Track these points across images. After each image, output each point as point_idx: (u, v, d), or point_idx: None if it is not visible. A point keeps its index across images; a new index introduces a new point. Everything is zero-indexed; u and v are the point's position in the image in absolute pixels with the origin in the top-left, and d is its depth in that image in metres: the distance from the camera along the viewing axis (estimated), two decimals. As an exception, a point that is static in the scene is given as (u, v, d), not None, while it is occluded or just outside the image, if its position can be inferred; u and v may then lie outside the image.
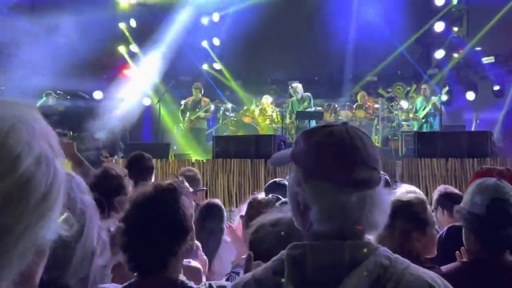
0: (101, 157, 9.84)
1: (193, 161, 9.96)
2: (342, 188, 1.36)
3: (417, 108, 12.84)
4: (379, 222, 1.40)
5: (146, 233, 2.10)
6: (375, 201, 1.38)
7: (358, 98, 14.27)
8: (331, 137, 1.42)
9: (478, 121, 12.55)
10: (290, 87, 13.21)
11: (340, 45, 15.39)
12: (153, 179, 4.66)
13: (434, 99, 12.36)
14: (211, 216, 4.20)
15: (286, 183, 4.26)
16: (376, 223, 1.39)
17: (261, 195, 4.94)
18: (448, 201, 3.97)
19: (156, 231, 2.10)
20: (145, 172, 4.46)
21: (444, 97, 12.68)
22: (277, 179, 4.50)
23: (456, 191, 4.28)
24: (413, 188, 2.73)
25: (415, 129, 12.44)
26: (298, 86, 13.07)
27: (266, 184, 4.39)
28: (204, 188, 4.88)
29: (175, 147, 13.02)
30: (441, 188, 4.27)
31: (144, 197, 2.18)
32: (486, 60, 14.88)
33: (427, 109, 12.24)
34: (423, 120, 12.34)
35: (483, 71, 15.21)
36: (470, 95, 14.87)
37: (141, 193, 2.21)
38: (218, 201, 4.44)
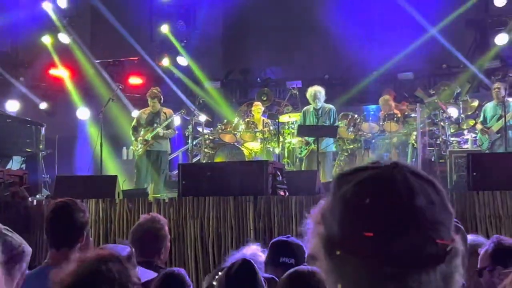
0: (15, 197, 9.82)
1: (150, 200, 9.93)
2: (379, 268, 1.33)
3: (487, 117, 12.76)
4: None
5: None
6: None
7: (380, 103, 14.32)
8: (367, 186, 1.37)
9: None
10: (311, 91, 13.23)
11: (358, 30, 15.53)
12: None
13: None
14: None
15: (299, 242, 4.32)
16: None
17: (252, 249, 4.95)
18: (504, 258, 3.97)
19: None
20: (74, 232, 4.32)
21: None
22: (284, 237, 4.56)
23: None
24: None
25: (484, 148, 12.42)
26: (320, 90, 13.16)
27: (273, 240, 4.40)
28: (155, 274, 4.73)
29: (124, 181, 12.97)
30: (494, 239, 4.26)
31: (74, 280, 2.19)
32: None
33: (502, 121, 12.04)
34: (498, 136, 12.23)
35: None
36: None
37: (69, 274, 2.20)
38: (181, 271, 4.38)
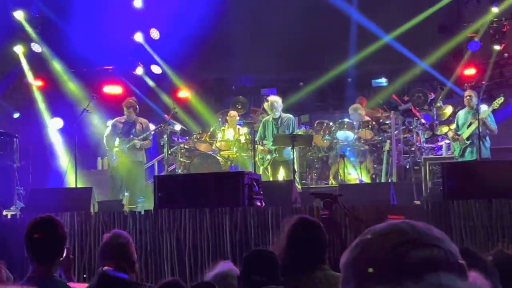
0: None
1: (126, 212, 9.89)
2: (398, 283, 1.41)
3: (459, 124, 12.86)
4: None
5: None
6: None
7: (350, 112, 14.32)
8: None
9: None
10: (265, 100, 13.27)
11: (335, 33, 15.57)
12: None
13: (484, 111, 12.14)
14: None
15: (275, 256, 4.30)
16: None
17: (225, 266, 4.95)
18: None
19: None
20: (56, 246, 4.41)
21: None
22: (261, 248, 4.54)
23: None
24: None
25: (456, 154, 12.47)
26: (277, 100, 13.15)
27: (245, 255, 4.38)
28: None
29: (100, 193, 12.89)
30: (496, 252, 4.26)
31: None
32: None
33: (473, 127, 12.09)
34: (468, 143, 12.26)
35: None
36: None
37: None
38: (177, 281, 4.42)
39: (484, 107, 12.48)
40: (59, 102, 15.91)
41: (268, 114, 13.29)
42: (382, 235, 1.49)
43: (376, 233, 1.51)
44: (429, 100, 14.96)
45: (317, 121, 14.56)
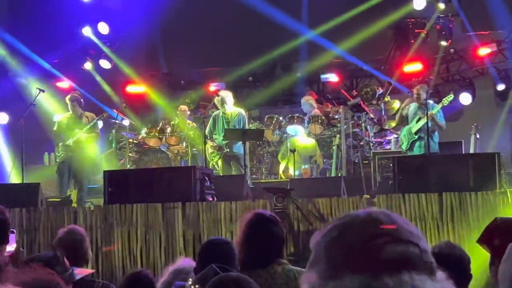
0: None
1: (75, 208, 9.79)
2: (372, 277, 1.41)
3: (409, 117, 12.78)
4: None
5: None
6: None
7: (302, 103, 14.40)
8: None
9: (478, 136, 12.94)
10: (216, 95, 13.21)
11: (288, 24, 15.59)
12: (11, 247, 4.53)
13: (434, 108, 12.25)
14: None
15: (232, 245, 4.25)
16: None
17: (182, 262, 4.90)
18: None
19: None
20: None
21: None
22: (214, 238, 4.48)
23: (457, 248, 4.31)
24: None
25: (404, 148, 12.58)
26: (227, 95, 13.10)
27: (201, 246, 4.34)
28: (92, 270, 4.85)
29: (47, 188, 12.70)
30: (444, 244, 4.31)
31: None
32: (485, 49, 15.46)
33: (421, 122, 12.20)
34: (416, 137, 12.39)
35: (482, 64, 15.79)
36: (465, 98, 15.34)
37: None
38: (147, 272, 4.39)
39: (431, 103, 12.62)
40: (3, 96, 15.60)
41: (218, 109, 13.23)
42: (360, 223, 1.48)
43: (354, 219, 1.50)
44: (377, 95, 15.07)
45: (267, 116, 14.57)
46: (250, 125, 13.79)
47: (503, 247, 2.74)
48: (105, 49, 16.55)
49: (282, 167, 13.76)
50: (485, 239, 3.15)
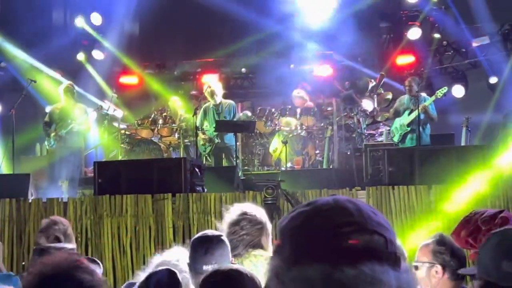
0: None
1: (65, 198, 9.78)
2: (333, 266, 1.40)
3: (401, 109, 12.73)
4: None
5: None
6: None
7: (292, 97, 14.38)
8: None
9: (469, 128, 12.95)
10: (206, 87, 13.17)
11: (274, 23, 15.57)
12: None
13: (428, 100, 12.22)
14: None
15: (224, 238, 4.27)
16: None
17: (172, 253, 4.89)
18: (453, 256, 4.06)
19: None
20: None
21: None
22: (208, 232, 4.47)
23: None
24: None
25: (395, 140, 12.59)
26: (217, 86, 13.08)
27: (193, 238, 4.33)
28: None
29: (38, 179, 12.67)
30: (437, 236, 4.33)
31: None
32: (478, 41, 15.45)
33: (413, 114, 12.20)
34: (408, 129, 12.39)
35: (474, 56, 15.79)
36: (458, 90, 15.36)
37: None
38: None
39: (424, 95, 12.63)
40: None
41: (209, 101, 13.21)
42: (326, 211, 1.47)
43: (319, 206, 1.49)
44: (370, 86, 15.06)
45: (259, 108, 14.57)
46: (241, 115, 13.80)
47: (466, 239, 2.78)
48: (99, 38, 16.51)
49: (274, 159, 13.78)
50: (455, 231, 3.20)
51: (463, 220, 3.24)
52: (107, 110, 14.21)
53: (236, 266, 3.45)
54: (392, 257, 1.44)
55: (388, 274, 1.41)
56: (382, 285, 1.40)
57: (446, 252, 4.07)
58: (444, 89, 12.42)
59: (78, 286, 2.54)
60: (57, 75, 15.86)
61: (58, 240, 4.77)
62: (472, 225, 2.85)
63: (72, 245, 4.89)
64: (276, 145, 13.80)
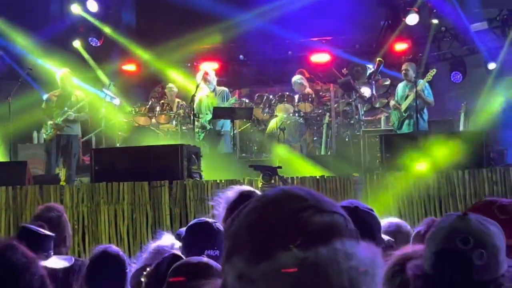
0: None
1: (63, 185, 9.76)
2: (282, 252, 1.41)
3: (398, 96, 12.86)
4: None
5: None
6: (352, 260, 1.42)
7: (292, 83, 14.34)
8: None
9: (467, 114, 12.94)
10: (202, 73, 13.13)
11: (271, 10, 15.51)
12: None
13: (420, 84, 12.17)
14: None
15: (220, 226, 4.21)
16: None
17: (168, 239, 4.86)
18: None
19: None
20: None
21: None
22: (207, 219, 4.43)
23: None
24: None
25: (395, 127, 12.59)
26: (210, 74, 13.05)
27: (190, 227, 4.30)
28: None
29: (35, 167, 12.67)
30: (429, 220, 4.32)
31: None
32: (476, 27, 15.39)
33: (409, 100, 12.18)
34: (405, 115, 12.37)
35: (473, 42, 15.73)
36: (456, 77, 15.35)
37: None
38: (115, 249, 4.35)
39: (420, 81, 12.61)
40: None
41: (205, 88, 13.17)
42: (280, 200, 1.49)
43: (273, 198, 1.51)
44: (367, 73, 15.04)
45: (257, 94, 14.52)
46: (231, 99, 13.76)
47: None
48: (97, 23, 16.43)
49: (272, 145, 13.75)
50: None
51: (474, 207, 3.15)
52: (111, 100, 14.19)
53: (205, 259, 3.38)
54: (354, 233, 1.49)
55: (356, 247, 1.46)
56: (356, 259, 1.43)
57: None
58: (433, 71, 12.49)
59: (9, 266, 2.62)
60: (54, 62, 15.81)
61: (42, 227, 4.72)
62: (487, 213, 2.77)
63: (49, 232, 4.81)
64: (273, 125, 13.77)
